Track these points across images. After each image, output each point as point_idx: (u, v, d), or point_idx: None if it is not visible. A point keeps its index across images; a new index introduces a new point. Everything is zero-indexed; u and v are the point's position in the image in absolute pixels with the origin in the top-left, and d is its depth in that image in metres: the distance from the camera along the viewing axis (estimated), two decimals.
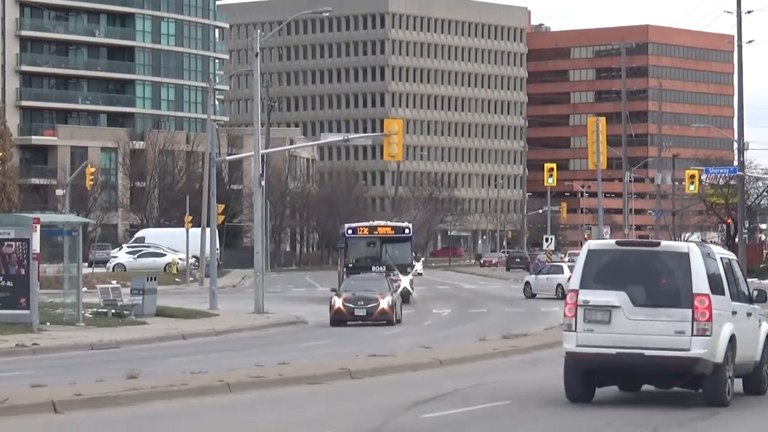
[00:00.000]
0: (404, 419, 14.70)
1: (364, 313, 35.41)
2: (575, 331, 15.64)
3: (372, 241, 44.77)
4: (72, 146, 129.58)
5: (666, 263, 15.75)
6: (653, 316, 15.24)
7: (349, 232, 46.25)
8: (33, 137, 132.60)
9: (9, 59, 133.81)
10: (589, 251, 16.40)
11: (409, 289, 45.63)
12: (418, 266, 79.05)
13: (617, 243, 17.70)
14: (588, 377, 16.00)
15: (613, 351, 15.16)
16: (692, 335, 14.54)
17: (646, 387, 17.21)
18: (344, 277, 45.06)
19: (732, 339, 15.18)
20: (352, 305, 35.27)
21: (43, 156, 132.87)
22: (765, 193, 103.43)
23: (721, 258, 16.38)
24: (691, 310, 14.51)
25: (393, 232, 45.30)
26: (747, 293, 17.28)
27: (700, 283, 14.51)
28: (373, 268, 42.15)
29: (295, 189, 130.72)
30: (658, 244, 17.14)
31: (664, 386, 16.62)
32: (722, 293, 15.22)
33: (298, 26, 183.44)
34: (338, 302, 36.77)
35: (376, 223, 50.26)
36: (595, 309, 15.41)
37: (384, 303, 35.53)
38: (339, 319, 36.77)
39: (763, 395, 16.80)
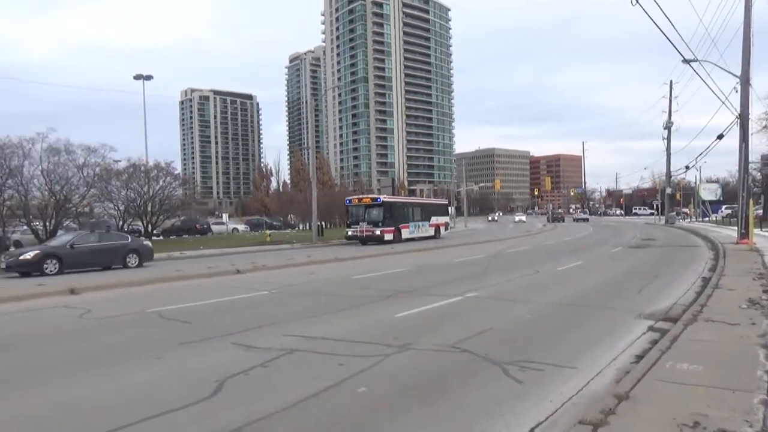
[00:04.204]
0: (453, 262, 20.81)
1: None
2: None
3: (359, 207, 34.58)
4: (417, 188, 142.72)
5: None
6: None
7: (347, 201, 36.38)
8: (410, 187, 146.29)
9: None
10: None
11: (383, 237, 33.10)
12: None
13: None
14: None
15: None
16: None
17: None
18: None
19: None
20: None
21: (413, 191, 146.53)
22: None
23: None
24: None
25: (371, 201, 34.84)
26: None
27: None
28: (360, 223, 33.65)
29: None
30: None
31: None
32: None
33: None
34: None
35: (362, 196, 39.14)
36: None
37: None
38: None
39: None
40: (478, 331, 7.87)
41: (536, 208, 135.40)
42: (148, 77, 44.78)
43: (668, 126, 55.20)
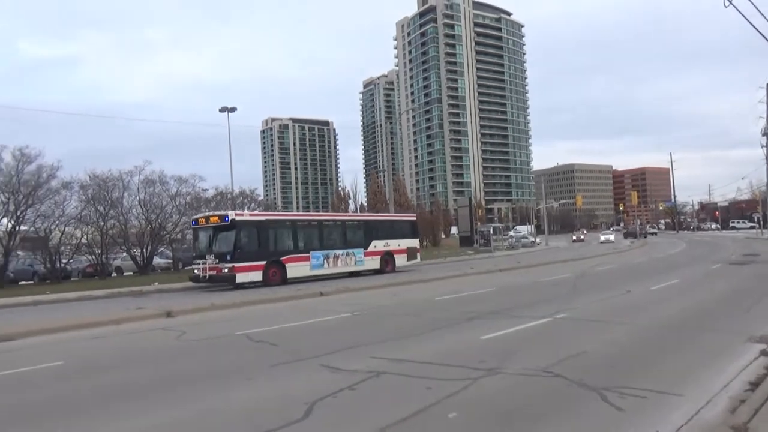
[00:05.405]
0: (539, 281, 24.29)
1: None
2: None
3: (205, 230, 22.39)
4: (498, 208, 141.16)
5: None
6: None
7: (193, 222, 23.79)
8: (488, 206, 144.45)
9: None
10: None
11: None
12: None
13: None
14: None
15: None
16: None
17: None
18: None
19: None
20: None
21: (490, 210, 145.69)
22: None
23: None
24: None
25: (218, 220, 21.95)
26: None
27: None
28: (207, 256, 21.48)
29: None
30: None
31: None
32: None
33: None
34: None
35: (210, 213, 24.03)
36: None
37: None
38: None
39: None
40: (571, 354, 7.52)
41: (621, 224, 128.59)
42: (233, 109, 47.04)
43: (766, 132, 51.44)
